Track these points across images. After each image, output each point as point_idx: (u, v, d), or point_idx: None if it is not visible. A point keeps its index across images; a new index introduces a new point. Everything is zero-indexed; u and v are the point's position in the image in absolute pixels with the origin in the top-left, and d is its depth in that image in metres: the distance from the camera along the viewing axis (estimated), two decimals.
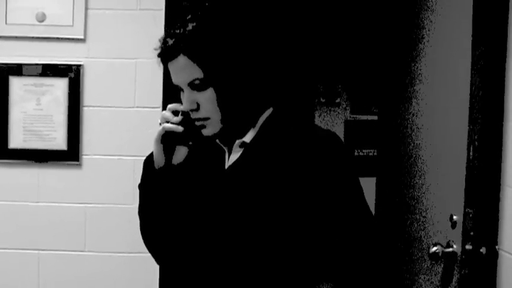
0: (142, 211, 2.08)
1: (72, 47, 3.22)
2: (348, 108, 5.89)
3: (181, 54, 1.86)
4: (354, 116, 5.88)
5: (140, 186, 2.07)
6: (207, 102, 1.89)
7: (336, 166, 1.90)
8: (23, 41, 3.21)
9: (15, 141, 3.22)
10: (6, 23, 3.18)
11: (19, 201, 3.25)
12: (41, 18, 3.19)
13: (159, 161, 2.00)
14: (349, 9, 5.43)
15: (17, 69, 3.20)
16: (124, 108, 3.23)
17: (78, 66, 3.20)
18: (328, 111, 5.86)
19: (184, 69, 1.87)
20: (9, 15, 3.18)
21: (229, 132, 1.96)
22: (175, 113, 1.96)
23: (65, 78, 3.20)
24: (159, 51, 1.91)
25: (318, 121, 5.74)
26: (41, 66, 3.20)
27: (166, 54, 1.89)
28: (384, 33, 3.79)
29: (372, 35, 4.77)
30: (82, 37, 3.21)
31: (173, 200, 2.01)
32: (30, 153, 3.23)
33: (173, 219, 2.02)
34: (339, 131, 5.82)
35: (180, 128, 1.94)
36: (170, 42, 1.87)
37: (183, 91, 1.91)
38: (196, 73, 1.86)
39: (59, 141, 3.21)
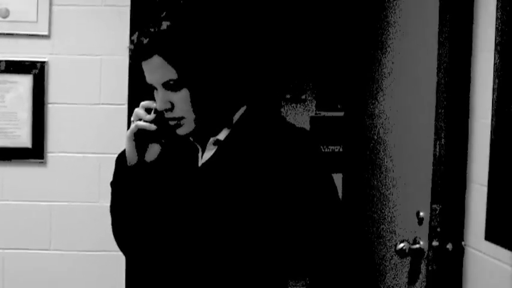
0: (114, 209, 2.07)
1: (37, 43, 3.18)
2: (313, 104, 5.90)
3: (156, 55, 1.85)
4: (320, 112, 5.89)
5: (112, 183, 2.06)
6: (181, 102, 1.89)
7: (309, 162, 1.91)
8: None
9: None
10: None
11: None
12: (5, 14, 3.14)
13: (132, 158, 1.99)
14: (314, 6, 5.44)
15: None
16: (89, 105, 3.20)
17: (43, 62, 3.17)
18: (294, 108, 5.87)
19: (159, 70, 1.86)
20: None
21: (202, 131, 1.96)
22: (148, 110, 1.95)
23: (29, 75, 3.16)
24: (132, 48, 1.89)
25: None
26: (4, 62, 3.15)
27: (140, 54, 1.88)
28: (350, 30, 3.80)
29: (338, 31, 4.78)
30: (46, 33, 3.17)
31: (145, 197, 2.00)
32: None
33: (145, 217, 2.01)
34: (305, 127, 5.82)
35: (153, 127, 1.93)
36: (145, 41, 1.85)
37: (156, 90, 1.91)
38: (171, 74, 1.86)
39: (23, 138, 3.17)
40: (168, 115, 1.91)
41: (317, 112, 5.91)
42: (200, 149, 2.01)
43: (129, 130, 1.97)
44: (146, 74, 1.90)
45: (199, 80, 1.88)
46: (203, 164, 1.98)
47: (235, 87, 1.97)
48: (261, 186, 1.88)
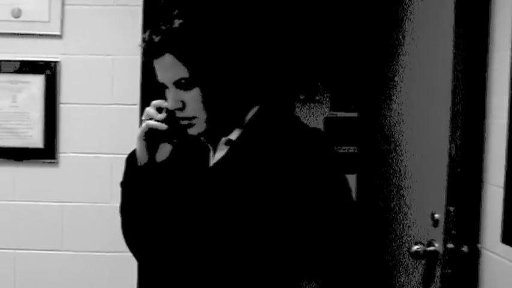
0: (124, 209, 2.04)
1: (49, 43, 3.17)
2: (327, 105, 5.87)
3: (168, 53, 1.82)
4: (334, 113, 5.86)
5: (122, 183, 2.04)
6: (193, 102, 1.86)
7: (323, 163, 1.87)
8: None
9: None
10: None
11: None
12: (17, 14, 3.13)
13: (142, 158, 1.97)
14: (330, 7, 5.42)
15: None
16: (101, 105, 3.19)
17: (55, 62, 3.15)
18: (308, 108, 5.84)
19: (170, 68, 1.84)
20: None
21: (214, 131, 1.93)
22: (159, 109, 1.93)
23: (41, 75, 3.15)
24: (143, 47, 1.87)
25: None
26: (17, 62, 3.15)
27: (152, 52, 1.85)
28: (365, 30, 3.78)
29: (353, 31, 4.75)
30: (59, 33, 3.16)
31: (156, 198, 1.98)
32: (5, 151, 3.17)
33: (156, 217, 1.99)
34: (319, 127, 5.79)
35: (164, 126, 1.90)
36: (156, 39, 1.83)
37: (168, 88, 1.88)
38: (183, 72, 1.83)
39: (35, 139, 3.16)
40: (179, 114, 1.88)
41: (331, 113, 5.88)
42: (212, 149, 1.98)
43: (139, 129, 1.94)
44: (157, 72, 1.87)
45: (212, 79, 1.85)
46: (214, 164, 1.95)
47: (248, 87, 1.94)
48: (273, 187, 1.85)
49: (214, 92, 1.86)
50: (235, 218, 1.88)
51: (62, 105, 3.18)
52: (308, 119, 5.73)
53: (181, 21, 1.83)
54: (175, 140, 1.96)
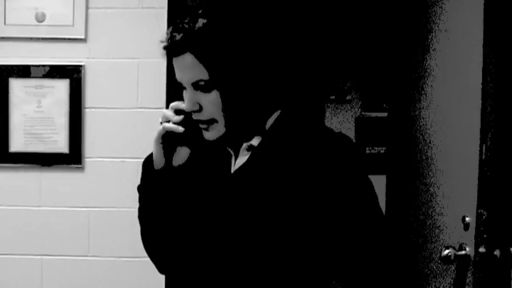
0: (141, 214, 2.01)
1: (73, 47, 3.16)
2: (359, 105, 5.83)
3: (188, 52, 1.76)
4: (365, 113, 5.82)
5: (139, 188, 2.00)
6: (210, 105, 1.80)
7: (349, 171, 1.81)
8: (23, 42, 3.15)
9: (16, 144, 3.16)
10: (5, 24, 3.12)
11: (21, 205, 3.20)
12: (41, 18, 3.12)
13: (159, 162, 1.93)
14: (359, 6, 5.37)
15: (17, 71, 3.13)
16: (127, 110, 3.17)
17: (80, 66, 3.14)
18: (339, 109, 5.80)
19: (190, 68, 1.78)
20: (8, 15, 3.12)
21: (235, 136, 1.88)
22: (177, 111, 1.87)
23: (66, 80, 3.14)
24: (165, 44, 1.81)
25: (328, 119, 5.68)
26: (42, 67, 3.13)
27: (172, 50, 1.80)
28: (394, 29, 3.73)
29: (382, 30, 4.70)
30: (83, 37, 3.14)
31: (174, 203, 1.93)
32: (31, 156, 3.16)
33: (174, 223, 1.95)
34: (350, 128, 5.77)
35: (180, 129, 1.86)
36: (178, 37, 1.77)
37: (185, 89, 1.83)
38: (202, 74, 1.77)
39: (60, 144, 3.15)
40: (196, 116, 1.83)
41: (362, 113, 5.83)
42: (233, 155, 1.92)
43: (156, 132, 1.90)
44: (176, 71, 1.82)
45: (231, 83, 1.79)
46: (236, 171, 1.90)
47: (270, 91, 1.88)
48: (297, 195, 1.79)
49: (234, 95, 1.80)
50: (259, 226, 1.82)
51: (87, 110, 3.16)
52: (339, 120, 5.70)
53: (205, 20, 1.77)
54: (193, 144, 1.90)
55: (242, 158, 1.89)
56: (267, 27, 1.86)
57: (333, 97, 5.75)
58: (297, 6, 4.82)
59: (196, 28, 1.76)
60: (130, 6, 3.15)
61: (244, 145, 1.89)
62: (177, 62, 1.80)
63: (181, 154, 1.93)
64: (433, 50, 3.03)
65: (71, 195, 3.19)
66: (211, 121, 1.82)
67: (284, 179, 1.80)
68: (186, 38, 1.76)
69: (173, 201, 1.93)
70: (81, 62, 3.15)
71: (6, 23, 3.12)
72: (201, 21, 1.77)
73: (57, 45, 3.15)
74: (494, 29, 2.34)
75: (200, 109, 1.81)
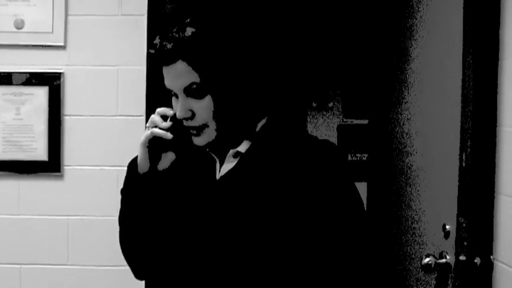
0: (122, 217, 2.01)
1: (52, 54, 3.13)
2: (340, 112, 5.82)
3: (180, 60, 1.79)
4: (347, 120, 5.82)
5: (122, 191, 2.00)
6: (203, 111, 1.82)
7: (333, 176, 1.83)
8: (1, 49, 3.13)
9: None
10: None
11: None
12: (20, 25, 3.10)
13: (144, 166, 1.93)
14: (340, 14, 5.38)
15: None
16: (106, 117, 3.14)
17: (59, 74, 3.12)
18: (321, 116, 5.80)
19: (181, 75, 1.80)
20: None
21: (223, 142, 1.89)
22: (164, 117, 1.90)
23: (45, 87, 3.11)
24: (153, 53, 1.83)
25: (310, 126, 5.68)
26: (20, 74, 3.11)
27: (163, 58, 1.81)
28: (376, 38, 3.74)
29: (364, 39, 4.72)
30: (62, 44, 3.12)
31: (156, 208, 1.94)
32: (10, 164, 3.13)
33: (155, 228, 1.95)
34: (332, 135, 5.76)
35: (169, 135, 1.87)
36: (169, 46, 1.79)
37: (175, 96, 1.84)
38: (194, 78, 1.79)
39: (39, 151, 3.12)
40: (188, 123, 1.84)
41: (344, 120, 5.83)
42: (218, 161, 1.94)
43: (143, 136, 1.90)
44: (167, 79, 1.83)
45: (223, 86, 1.81)
46: (222, 177, 1.91)
47: (259, 96, 1.90)
48: (283, 202, 1.81)
49: (226, 100, 1.82)
50: (244, 234, 1.83)
51: (66, 117, 3.14)
52: (321, 127, 5.69)
53: (193, 29, 1.79)
54: (179, 150, 1.92)
55: (228, 165, 1.91)
56: (252, 31, 1.88)
57: (314, 104, 5.74)
58: (282, 15, 4.82)
59: (186, 37, 1.79)
60: (110, 13, 3.13)
61: (231, 151, 1.90)
62: (168, 70, 1.82)
63: (167, 159, 1.94)
64: (414, 58, 3.04)
65: (50, 203, 3.16)
66: (203, 127, 1.84)
67: (271, 187, 1.82)
68: (177, 46, 1.79)
69: (156, 206, 1.93)
70: (61, 69, 3.13)
71: None
72: (189, 30, 1.79)
73: (36, 53, 3.12)
74: (474, 36, 2.34)
75: (193, 116, 1.82)
